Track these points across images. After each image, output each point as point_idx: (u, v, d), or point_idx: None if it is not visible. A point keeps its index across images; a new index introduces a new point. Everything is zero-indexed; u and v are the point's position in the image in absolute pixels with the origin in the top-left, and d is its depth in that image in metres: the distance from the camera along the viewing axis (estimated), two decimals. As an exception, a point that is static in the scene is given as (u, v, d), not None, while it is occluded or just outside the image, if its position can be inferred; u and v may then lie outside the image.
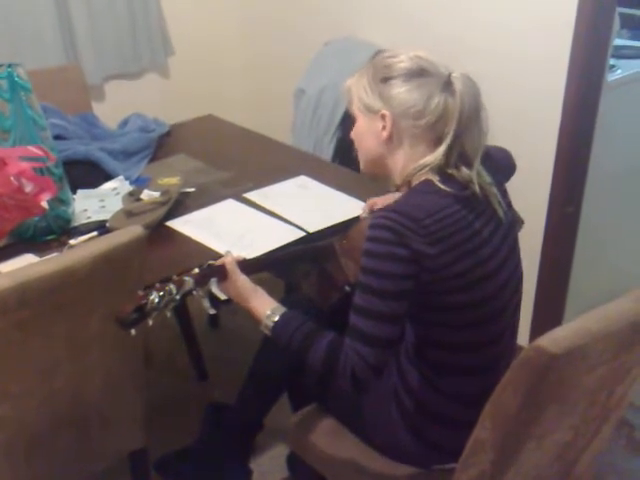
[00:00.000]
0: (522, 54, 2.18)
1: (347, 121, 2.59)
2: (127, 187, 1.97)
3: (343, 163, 2.51)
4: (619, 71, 2.36)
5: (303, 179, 2.04)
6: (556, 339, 1.00)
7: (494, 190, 1.33)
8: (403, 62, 1.30)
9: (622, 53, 2.50)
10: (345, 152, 2.60)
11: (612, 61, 2.29)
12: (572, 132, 2.14)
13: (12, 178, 1.54)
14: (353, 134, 1.42)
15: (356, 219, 1.74)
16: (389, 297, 1.23)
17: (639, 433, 2.20)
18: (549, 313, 2.39)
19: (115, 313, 1.26)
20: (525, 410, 1.06)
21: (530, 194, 2.23)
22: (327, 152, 2.66)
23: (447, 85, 1.27)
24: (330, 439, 1.56)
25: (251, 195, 1.94)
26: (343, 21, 2.79)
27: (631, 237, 2.67)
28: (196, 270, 1.36)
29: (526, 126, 2.23)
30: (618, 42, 2.47)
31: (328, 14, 2.86)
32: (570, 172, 2.21)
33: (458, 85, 1.26)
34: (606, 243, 2.55)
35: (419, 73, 1.29)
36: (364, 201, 1.86)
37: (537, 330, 2.34)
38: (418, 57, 1.31)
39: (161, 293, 1.27)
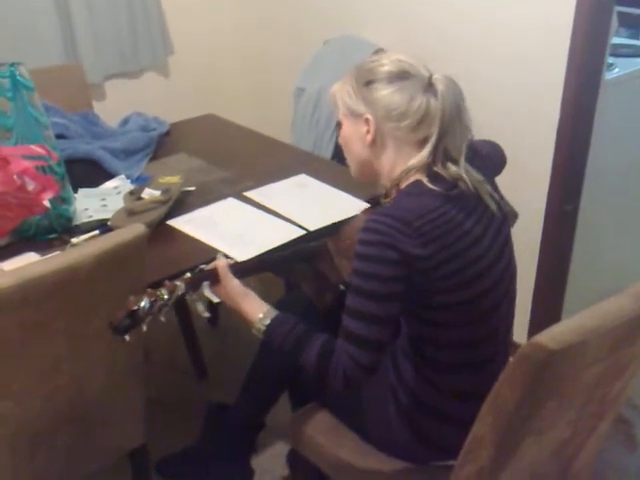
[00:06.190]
0: (521, 52, 2.19)
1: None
2: (128, 186, 1.98)
3: (343, 162, 2.51)
4: (617, 69, 2.37)
5: (303, 178, 2.05)
6: (554, 335, 1.01)
7: (487, 187, 1.34)
8: (385, 65, 1.32)
9: (620, 51, 2.51)
10: (345, 151, 2.61)
11: (610, 59, 2.29)
12: (570, 130, 2.15)
13: (15, 176, 1.55)
14: (340, 139, 1.44)
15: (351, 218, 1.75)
16: (379, 299, 1.24)
17: (637, 430, 2.21)
18: (547, 310, 2.40)
19: (108, 319, 1.27)
20: (523, 406, 1.07)
21: (528, 192, 2.23)
22: (327, 151, 2.66)
23: (429, 86, 1.28)
24: (329, 435, 1.56)
25: (251, 194, 1.94)
26: (342, 19, 2.80)
27: (629, 234, 2.68)
28: (188, 275, 1.38)
29: (524, 124, 2.24)
30: (616, 40, 2.47)
31: (327, 12, 2.87)
32: (568, 170, 2.21)
33: (440, 86, 1.27)
34: (604, 240, 2.56)
35: (401, 76, 1.30)
36: (364, 200, 1.87)
37: (535, 327, 2.35)
38: (399, 60, 1.32)
39: (152, 299, 1.28)
